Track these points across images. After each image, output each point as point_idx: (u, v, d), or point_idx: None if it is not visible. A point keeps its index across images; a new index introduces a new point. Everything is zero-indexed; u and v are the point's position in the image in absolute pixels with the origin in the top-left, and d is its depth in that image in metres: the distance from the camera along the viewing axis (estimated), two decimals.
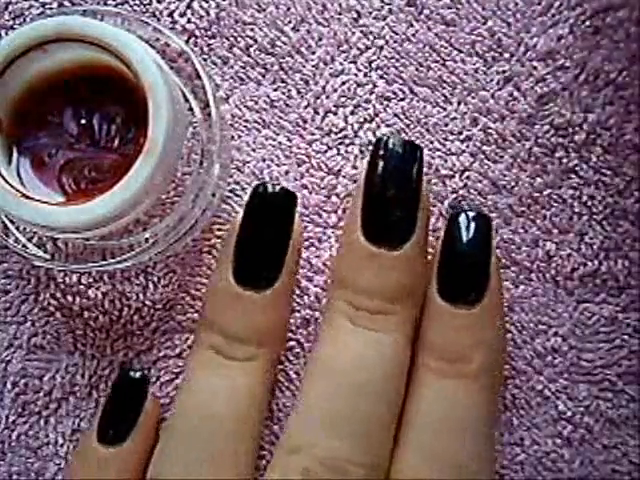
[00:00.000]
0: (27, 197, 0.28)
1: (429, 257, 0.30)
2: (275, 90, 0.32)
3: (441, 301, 0.29)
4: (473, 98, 0.32)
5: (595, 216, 0.32)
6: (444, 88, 0.32)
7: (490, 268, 0.29)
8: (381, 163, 0.29)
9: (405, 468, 0.29)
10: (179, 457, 0.29)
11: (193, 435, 0.29)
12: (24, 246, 0.31)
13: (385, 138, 0.29)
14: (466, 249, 0.29)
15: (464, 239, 0.29)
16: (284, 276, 0.30)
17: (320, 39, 0.32)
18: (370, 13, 0.32)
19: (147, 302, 0.32)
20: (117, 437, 0.30)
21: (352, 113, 0.32)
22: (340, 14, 0.32)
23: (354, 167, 0.32)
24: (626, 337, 0.31)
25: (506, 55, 0.32)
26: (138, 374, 0.31)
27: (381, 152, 0.29)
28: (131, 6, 0.33)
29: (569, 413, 0.31)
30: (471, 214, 0.30)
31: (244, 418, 0.30)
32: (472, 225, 0.30)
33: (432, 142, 0.32)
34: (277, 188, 0.30)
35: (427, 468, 0.29)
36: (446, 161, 0.32)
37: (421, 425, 0.29)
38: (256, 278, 0.29)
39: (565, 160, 0.32)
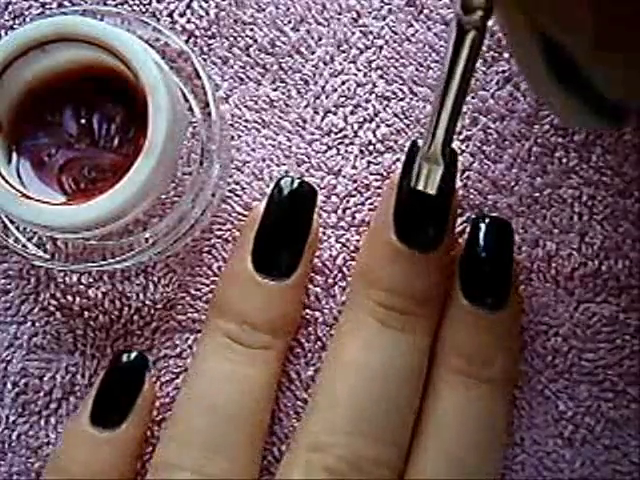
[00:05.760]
0: (27, 197, 0.28)
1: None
2: (275, 90, 0.32)
3: (467, 304, 0.29)
4: (473, 98, 0.32)
5: (595, 216, 0.32)
6: None
7: (512, 273, 0.30)
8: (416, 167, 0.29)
9: (423, 471, 0.29)
10: (186, 443, 0.29)
11: (201, 422, 0.29)
12: (24, 246, 0.31)
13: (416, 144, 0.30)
14: (491, 255, 0.30)
15: (489, 245, 0.30)
16: (302, 267, 0.30)
17: (320, 39, 0.32)
18: (370, 13, 0.32)
19: (147, 302, 0.32)
20: (113, 421, 0.30)
21: (352, 113, 0.32)
22: (340, 14, 0.32)
23: (354, 167, 0.32)
24: (627, 337, 0.31)
25: (506, 55, 0.32)
26: (135, 356, 0.31)
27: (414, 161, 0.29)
28: (131, 6, 0.33)
29: (570, 413, 0.31)
30: (492, 220, 0.30)
31: (254, 407, 0.30)
32: (495, 231, 0.30)
33: None
34: (300, 182, 0.30)
35: (446, 472, 0.29)
36: None
37: (440, 427, 0.29)
38: (276, 267, 0.30)
39: (565, 160, 0.32)
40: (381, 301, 0.29)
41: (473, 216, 0.31)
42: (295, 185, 0.30)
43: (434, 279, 0.30)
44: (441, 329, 0.30)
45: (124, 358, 0.31)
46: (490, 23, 0.32)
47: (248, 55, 0.32)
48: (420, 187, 0.28)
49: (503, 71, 0.32)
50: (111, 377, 0.31)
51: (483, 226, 0.30)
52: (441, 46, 0.32)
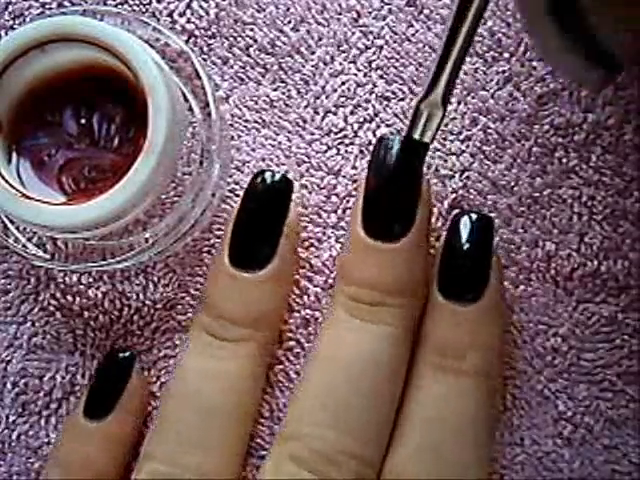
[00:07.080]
0: (27, 197, 0.28)
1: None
2: (275, 90, 0.32)
3: (440, 298, 0.29)
4: (473, 98, 0.32)
5: (595, 216, 0.32)
6: None
7: (489, 269, 0.29)
8: (380, 160, 0.29)
9: (399, 464, 0.29)
10: (170, 439, 0.30)
11: (183, 417, 0.30)
12: (24, 246, 0.31)
13: (385, 137, 0.30)
14: (466, 249, 0.30)
15: (465, 239, 0.30)
16: (278, 260, 0.30)
17: (320, 39, 0.32)
18: (370, 13, 0.32)
19: (147, 302, 0.32)
20: (100, 411, 0.31)
21: (352, 113, 0.32)
22: (340, 14, 0.32)
23: (354, 167, 0.32)
24: (626, 337, 0.31)
25: (506, 55, 0.32)
26: (124, 354, 0.32)
27: (382, 150, 0.30)
28: (131, 6, 0.33)
29: (569, 413, 0.31)
30: (474, 215, 0.30)
31: (235, 402, 0.30)
32: (474, 225, 0.30)
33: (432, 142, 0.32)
34: (272, 175, 0.31)
35: (421, 465, 0.29)
36: (446, 161, 0.32)
37: (416, 420, 0.29)
38: (248, 259, 0.30)
39: (565, 160, 0.32)
40: (350, 294, 0.29)
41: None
42: (269, 178, 0.31)
43: (405, 270, 0.29)
44: (421, 323, 0.30)
45: (113, 356, 0.32)
46: (490, 24, 0.32)
47: (248, 55, 0.32)
48: (416, 135, 0.28)
49: (503, 71, 0.32)
50: (99, 373, 0.32)
51: (462, 220, 0.30)
52: None
